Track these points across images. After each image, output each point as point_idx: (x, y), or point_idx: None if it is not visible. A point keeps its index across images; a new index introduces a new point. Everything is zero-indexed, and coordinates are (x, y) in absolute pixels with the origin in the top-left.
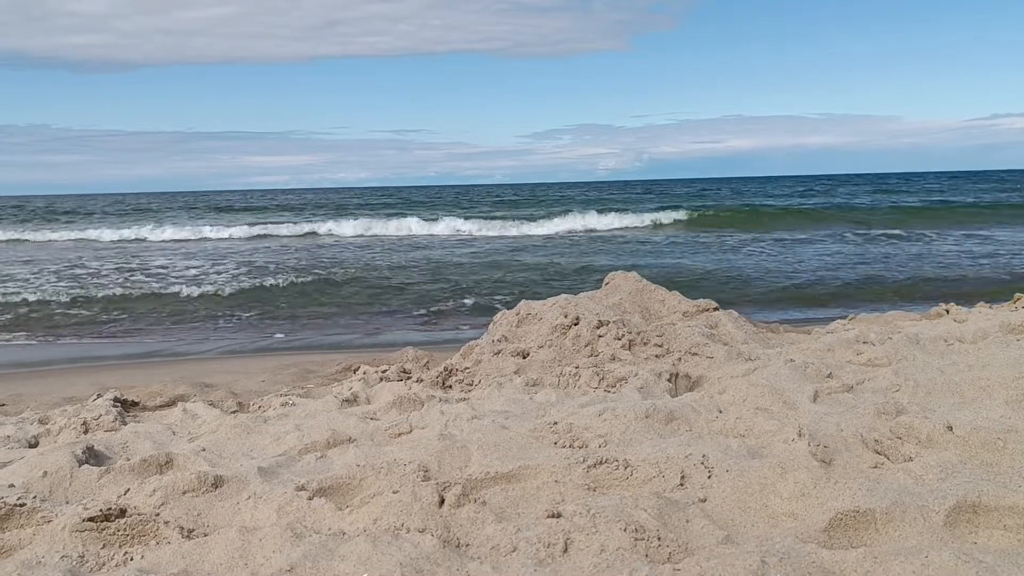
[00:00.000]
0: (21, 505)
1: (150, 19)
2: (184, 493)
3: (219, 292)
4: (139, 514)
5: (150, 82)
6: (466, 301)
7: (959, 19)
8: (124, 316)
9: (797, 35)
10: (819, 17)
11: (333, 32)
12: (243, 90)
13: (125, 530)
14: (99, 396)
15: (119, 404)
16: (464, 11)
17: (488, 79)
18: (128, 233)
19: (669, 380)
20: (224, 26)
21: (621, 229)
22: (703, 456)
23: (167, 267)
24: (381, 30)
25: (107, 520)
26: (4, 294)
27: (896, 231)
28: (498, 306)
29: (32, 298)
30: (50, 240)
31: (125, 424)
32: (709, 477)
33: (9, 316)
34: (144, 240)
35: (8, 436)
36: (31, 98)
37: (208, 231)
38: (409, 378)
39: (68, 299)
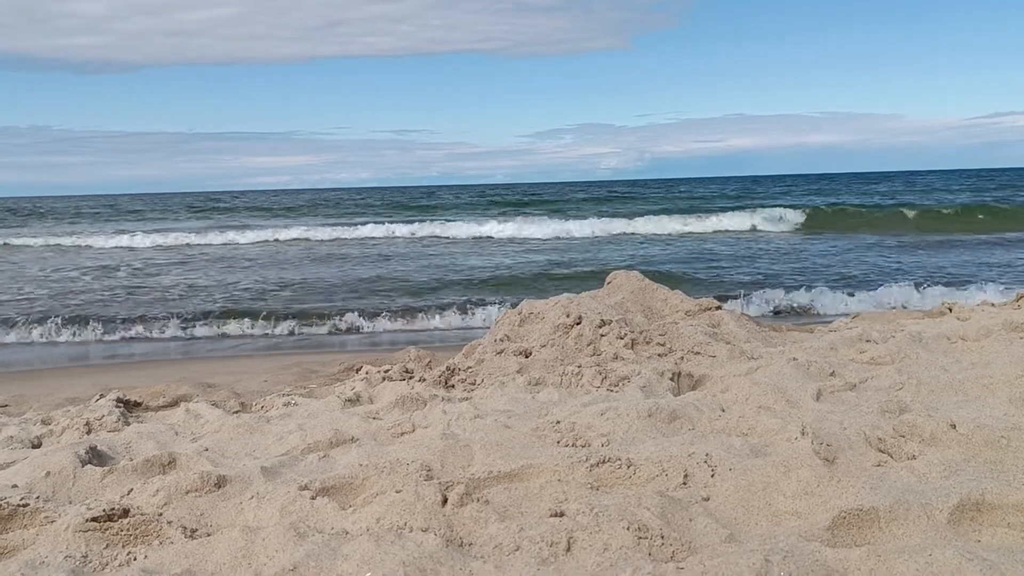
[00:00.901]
0: (24, 505)
1: (151, 20)
2: (187, 493)
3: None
4: (142, 514)
5: (151, 83)
6: None
7: (959, 18)
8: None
9: (798, 34)
10: (820, 16)
11: (334, 33)
12: (244, 91)
13: (128, 530)
14: (102, 396)
15: (122, 404)
16: (464, 11)
17: (489, 79)
18: (70, 240)
19: (672, 379)
20: (225, 27)
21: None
22: (706, 455)
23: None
24: (382, 30)
25: (110, 520)
26: None
27: None
28: None
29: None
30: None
31: (128, 424)
32: (712, 476)
33: None
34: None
35: (11, 437)
36: (32, 100)
37: (192, 237)
38: (411, 378)
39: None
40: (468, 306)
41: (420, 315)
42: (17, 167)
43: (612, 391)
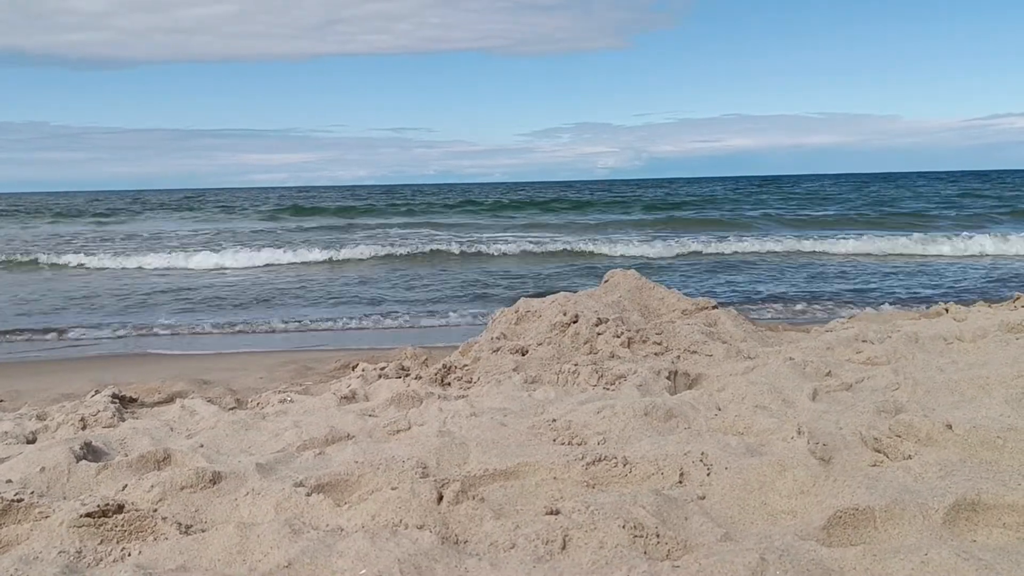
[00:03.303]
0: (19, 500)
1: (149, 16)
2: (182, 489)
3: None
4: (137, 510)
5: (149, 79)
6: None
7: (959, 19)
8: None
9: (797, 34)
10: (819, 16)
11: (332, 31)
12: (242, 88)
13: (123, 526)
14: (97, 392)
15: (117, 400)
16: (463, 9)
17: (487, 77)
18: None
19: (668, 378)
20: (224, 24)
21: None
22: (702, 453)
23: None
24: (380, 28)
25: (105, 516)
26: None
27: None
28: None
29: None
30: None
31: (123, 420)
32: (708, 475)
33: None
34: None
35: (6, 432)
36: (30, 95)
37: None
38: (408, 375)
39: None
40: None
41: None
42: (15, 163)
43: (608, 389)
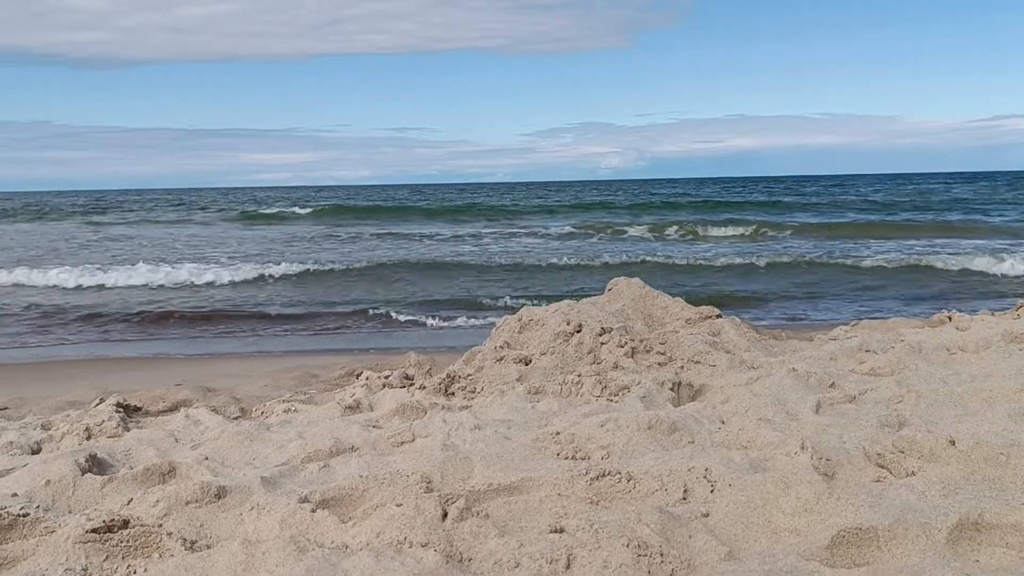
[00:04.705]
0: (24, 515)
1: (151, 16)
2: (187, 503)
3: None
4: (142, 525)
5: (152, 79)
6: None
7: (960, 19)
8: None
9: (799, 34)
10: (821, 16)
11: (334, 30)
12: (245, 87)
13: (128, 542)
14: (101, 401)
15: (122, 409)
16: (466, 9)
17: (490, 77)
18: None
19: (672, 389)
20: (225, 23)
21: None
22: (706, 469)
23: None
24: (382, 28)
25: (110, 531)
26: None
27: None
28: None
29: None
30: None
31: (128, 430)
32: (712, 491)
33: None
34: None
35: (11, 442)
36: (32, 95)
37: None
38: (412, 384)
39: None
40: None
41: None
42: (18, 162)
43: (612, 401)
